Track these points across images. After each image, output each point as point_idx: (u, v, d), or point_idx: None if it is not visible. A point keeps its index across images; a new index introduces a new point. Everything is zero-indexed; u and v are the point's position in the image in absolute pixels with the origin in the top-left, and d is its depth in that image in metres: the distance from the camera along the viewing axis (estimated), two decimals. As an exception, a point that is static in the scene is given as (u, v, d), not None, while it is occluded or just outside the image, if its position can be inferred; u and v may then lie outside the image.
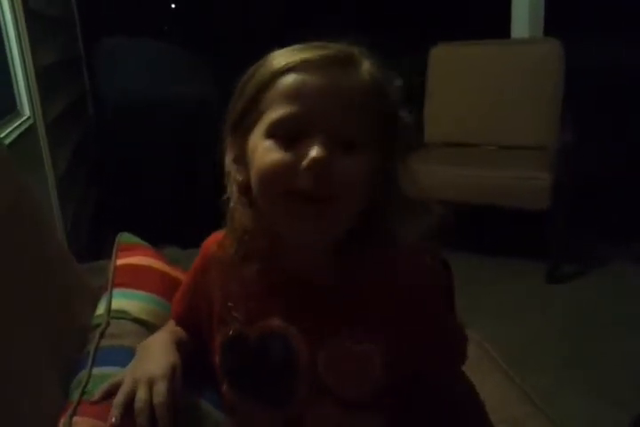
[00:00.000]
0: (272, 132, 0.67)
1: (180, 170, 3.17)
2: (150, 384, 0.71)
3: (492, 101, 3.01)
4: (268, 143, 0.67)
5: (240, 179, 0.72)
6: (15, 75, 2.03)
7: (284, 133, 0.67)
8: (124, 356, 0.82)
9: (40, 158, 2.10)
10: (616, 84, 3.12)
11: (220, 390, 0.79)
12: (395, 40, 2.75)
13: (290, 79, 0.67)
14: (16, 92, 2.05)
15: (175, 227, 2.57)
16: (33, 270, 0.87)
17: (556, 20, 3.12)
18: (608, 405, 1.77)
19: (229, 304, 0.76)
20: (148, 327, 0.92)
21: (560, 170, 2.53)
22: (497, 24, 3.22)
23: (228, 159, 0.74)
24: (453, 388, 0.81)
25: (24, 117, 2.01)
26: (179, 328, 0.86)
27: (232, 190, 0.74)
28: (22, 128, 1.90)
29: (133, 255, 1.09)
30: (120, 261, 1.06)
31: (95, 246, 2.58)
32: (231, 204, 0.74)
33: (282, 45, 0.72)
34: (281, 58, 0.69)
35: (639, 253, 2.75)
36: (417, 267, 0.73)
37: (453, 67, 3.13)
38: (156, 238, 1.34)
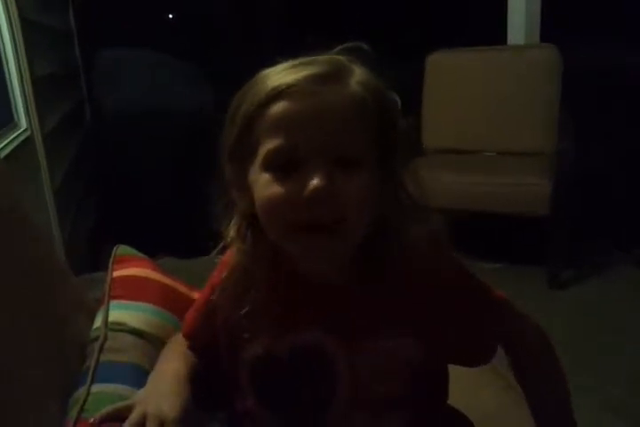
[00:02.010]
0: (268, 165, 0.66)
1: (179, 180, 3.16)
2: (160, 425, 0.70)
3: (490, 108, 3.01)
4: (267, 176, 0.66)
5: (243, 207, 0.72)
6: (12, 86, 2.03)
7: (281, 165, 0.65)
8: (124, 372, 0.81)
9: (37, 170, 2.09)
10: (614, 88, 3.12)
11: (239, 407, 0.79)
12: (391, 47, 2.74)
13: (276, 108, 0.65)
14: (13, 103, 2.04)
15: (174, 237, 2.56)
16: (29, 284, 0.86)
17: (552, 26, 3.12)
18: (608, 411, 1.75)
19: (250, 323, 0.75)
20: (147, 339, 0.91)
21: (559, 176, 2.52)
22: (493, 31, 3.21)
23: (230, 186, 0.73)
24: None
25: (21, 129, 2.01)
26: (188, 351, 0.84)
27: (236, 216, 0.73)
28: (19, 140, 1.89)
29: (130, 267, 1.08)
30: (116, 273, 1.05)
31: (93, 258, 2.58)
32: (232, 233, 0.73)
33: (281, 54, 0.70)
34: (266, 83, 0.67)
35: (640, 258, 2.74)
36: (434, 260, 0.73)
37: (450, 73, 3.12)
38: (155, 249, 1.33)
